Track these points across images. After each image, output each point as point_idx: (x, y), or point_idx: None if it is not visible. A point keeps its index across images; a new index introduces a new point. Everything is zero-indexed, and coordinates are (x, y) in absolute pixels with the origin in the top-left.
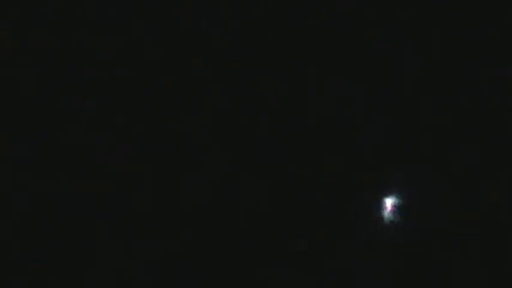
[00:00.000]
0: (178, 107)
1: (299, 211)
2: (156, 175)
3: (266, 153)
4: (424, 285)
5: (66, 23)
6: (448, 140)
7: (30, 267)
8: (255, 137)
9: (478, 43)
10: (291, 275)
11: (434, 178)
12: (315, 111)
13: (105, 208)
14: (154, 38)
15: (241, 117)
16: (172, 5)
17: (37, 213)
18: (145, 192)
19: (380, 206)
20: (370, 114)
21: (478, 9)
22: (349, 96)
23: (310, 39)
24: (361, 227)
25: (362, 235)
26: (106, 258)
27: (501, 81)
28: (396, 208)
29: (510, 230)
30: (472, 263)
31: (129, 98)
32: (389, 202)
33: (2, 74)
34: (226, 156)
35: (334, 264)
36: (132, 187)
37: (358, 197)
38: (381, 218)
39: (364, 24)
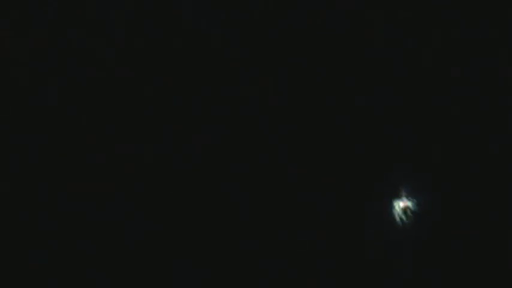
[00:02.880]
0: (178, 107)
1: (299, 211)
2: (156, 175)
3: (266, 153)
4: (427, 285)
5: (66, 23)
6: (448, 140)
7: (30, 267)
8: (255, 137)
9: (478, 43)
10: (291, 275)
11: (434, 178)
12: (315, 111)
13: (105, 208)
14: (155, 38)
15: (241, 117)
16: (172, 5)
17: (37, 213)
18: (146, 192)
19: (379, 205)
20: (370, 114)
21: (478, 9)
22: (349, 96)
23: (310, 39)
24: (359, 227)
25: (361, 235)
26: (106, 258)
27: (501, 81)
28: (398, 208)
29: (510, 230)
30: (472, 263)
31: (129, 98)
32: (391, 202)
33: (2, 74)
34: (226, 156)
35: (334, 265)
36: (132, 187)
37: (357, 197)
38: (380, 217)
39: (364, 24)
